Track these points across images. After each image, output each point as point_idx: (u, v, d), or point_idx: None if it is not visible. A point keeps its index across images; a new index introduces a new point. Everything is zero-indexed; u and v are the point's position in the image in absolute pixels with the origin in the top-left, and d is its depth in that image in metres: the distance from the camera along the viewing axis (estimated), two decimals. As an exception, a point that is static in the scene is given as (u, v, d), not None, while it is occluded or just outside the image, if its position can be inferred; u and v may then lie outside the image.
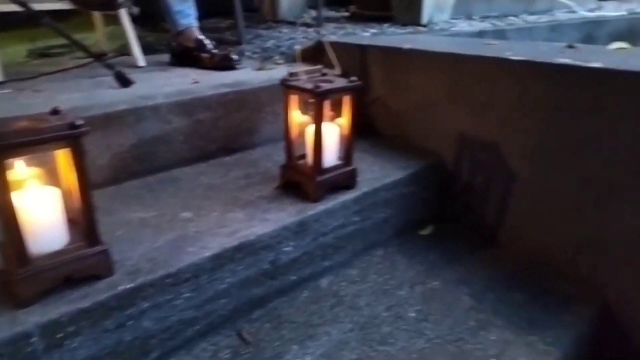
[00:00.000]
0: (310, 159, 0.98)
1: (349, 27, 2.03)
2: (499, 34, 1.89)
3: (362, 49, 1.35)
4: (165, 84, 1.22)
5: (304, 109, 0.96)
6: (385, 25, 2.05)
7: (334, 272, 0.99)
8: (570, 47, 1.15)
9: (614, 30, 2.48)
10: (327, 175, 0.96)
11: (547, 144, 0.97)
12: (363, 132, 1.27)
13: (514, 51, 1.07)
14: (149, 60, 1.57)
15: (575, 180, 0.94)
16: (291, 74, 0.95)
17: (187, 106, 1.12)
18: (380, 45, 1.30)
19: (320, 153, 0.94)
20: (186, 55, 1.53)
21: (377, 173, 1.09)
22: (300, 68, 1.42)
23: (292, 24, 2.23)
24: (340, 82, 0.94)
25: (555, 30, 2.14)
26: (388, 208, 1.08)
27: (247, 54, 1.69)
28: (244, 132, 1.24)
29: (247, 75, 1.36)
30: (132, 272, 0.71)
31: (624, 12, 2.78)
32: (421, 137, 1.24)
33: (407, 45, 1.24)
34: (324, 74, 1.01)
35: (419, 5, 1.97)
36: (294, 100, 0.95)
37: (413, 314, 0.87)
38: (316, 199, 0.95)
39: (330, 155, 0.99)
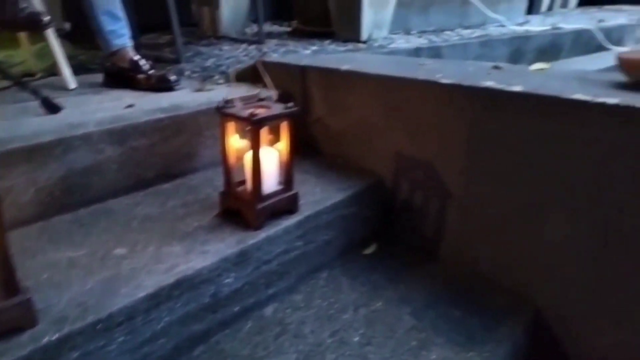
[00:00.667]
0: (249, 185, 0.97)
1: (291, 44, 2.04)
2: (435, 51, 1.97)
3: (302, 69, 1.36)
4: (98, 109, 1.17)
5: (242, 133, 0.95)
6: (327, 42, 2.08)
7: (279, 299, 0.98)
8: (496, 67, 1.22)
9: (540, 45, 2.65)
10: (267, 202, 0.95)
11: (478, 163, 1.02)
12: (306, 152, 1.28)
13: (445, 73, 1.12)
14: (81, 81, 1.50)
15: (506, 196, 0.99)
16: (227, 101, 0.93)
17: (121, 134, 1.08)
18: (319, 66, 1.32)
19: (260, 180, 0.93)
20: (121, 76, 1.48)
21: (318, 195, 1.10)
22: (238, 88, 1.41)
23: (234, 40, 2.22)
24: (277, 108, 0.94)
25: (486, 45, 2.26)
26: (330, 230, 1.09)
27: (187, 73, 1.65)
28: (183, 158, 1.21)
29: (186, 97, 1.33)
30: (59, 320, 0.67)
31: (547, 27, 2.98)
32: (361, 157, 1.27)
33: (345, 67, 1.26)
34: (261, 99, 1.01)
35: (358, 22, 2.02)
36: (230, 127, 0.93)
37: (357, 338, 0.88)
38: (257, 227, 0.94)
39: (270, 181, 0.98)
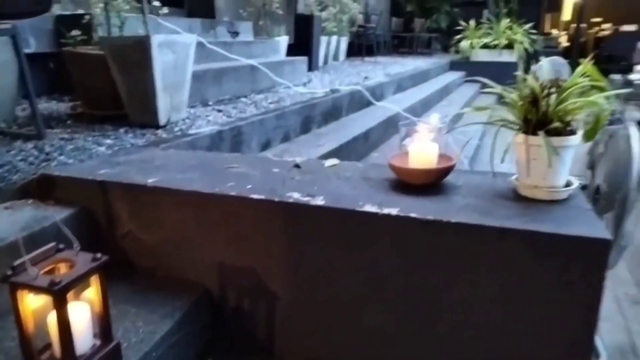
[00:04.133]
0: (58, 351, 0.84)
1: (79, 136, 1.85)
2: (236, 131, 2.05)
3: (102, 185, 1.25)
4: None
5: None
6: (122, 129, 1.96)
7: None
8: (297, 166, 1.34)
9: (324, 109, 3.01)
10: (84, 367, 0.84)
11: (300, 265, 1.10)
12: (118, 271, 1.17)
13: (253, 181, 1.19)
14: None
15: (328, 294, 1.09)
16: (15, 267, 0.80)
17: None
18: (121, 182, 1.24)
19: (71, 345, 0.82)
20: None
21: (143, 331, 1.02)
22: (21, 212, 1.21)
23: (1, 133, 1.89)
24: (83, 263, 0.84)
25: (281, 117, 2.46)
26: (163, 366, 1.02)
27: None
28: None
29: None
30: None
31: (327, 90, 3.40)
32: (183, 269, 1.23)
33: (151, 180, 1.21)
34: (59, 250, 0.89)
35: (154, 108, 1.96)
36: (25, 297, 0.80)
37: None
38: (75, 401, 0.82)
39: (83, 339, 0.87)
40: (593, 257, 0.87)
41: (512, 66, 7.45)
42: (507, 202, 1.03)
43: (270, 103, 2.94)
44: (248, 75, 3.25)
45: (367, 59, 7.18)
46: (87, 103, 2.24)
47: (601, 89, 0.94)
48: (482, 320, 0.97)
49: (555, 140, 0.97)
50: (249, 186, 1.16)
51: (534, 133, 0.98)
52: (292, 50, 4.77)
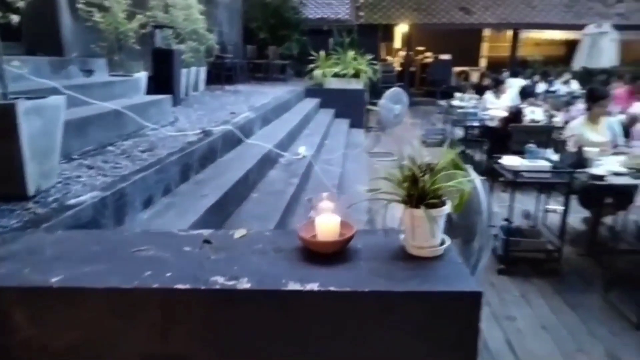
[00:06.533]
0: None
1: None
2: (118, 196, 1.97)
3: (-9, 290, 1.13)
4: None
5: None
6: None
7: None
8: (207, 242, 1.39)
9: (201, 154, 3.02)
10: None
11: (224, 350, 1.16)
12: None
13: (170, 266, 1.21)
14: None
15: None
16: None
17: None
18: (18, 287, 1.13)
19: None
20: None
21: None
22: None
23: None
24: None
25: (162, 171, 2.41)
26: None
27: None
28: None
29: None
30: None
31: (199, 131, 3.40)
32: (99, 367, 1.18)
33: (55, 280, 1.14)
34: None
35: (21, 178, 1.78)
36: None
37: None
38: None
39: None
40: (471, 305, 1.12)
41: (360, 93, 8.30)
42: (401, 264, 1.24)
43: (143, 151, 2.84)
44: (113, 121, 3.08)
45: (227, 87, 7.26)
46: None
47: (462, 169, 1.22)
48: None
49: (433, 212, 1.22)
50: (169, 274, 1.18)
51: (417, 206, 1.22)
52: (152, 85, 4.61)
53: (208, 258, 1.28)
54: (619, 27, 11.83)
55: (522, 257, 3.81)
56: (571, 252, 4.04)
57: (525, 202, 4.68)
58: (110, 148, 2.90)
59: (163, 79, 4.67)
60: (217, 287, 1.13)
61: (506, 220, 3.97)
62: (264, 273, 1.19)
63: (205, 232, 1.46)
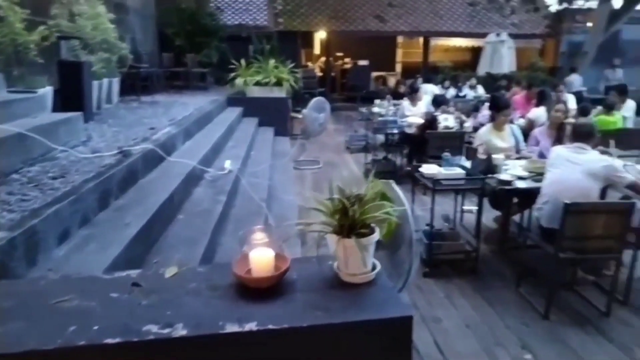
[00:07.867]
0: None
1: None
2: (30, 234, 1.81)
3: None
4: None
5: None
6: None
7: None
8: (135, 284, 1.32)
9: (120, 177, 2.86)
10: None
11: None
12: None
13: (96, 318, 1.14)
14: None
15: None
16: None
17: None
18: None
19: None
20: None
21: None
22: None
23: None
24: None
25: (78, 201, 2.25)
26: None
27: None
28: None
29: None
30: None
31: (116, 152, 3.21)
32: None
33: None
34: None
35: None
36: None
37: None
38: None
39: None
40: (404, 328, 1.19)
41: (283, 101, 8.33)
42: (336, 292, 1.27)
43: (54, 178, 2.63)
44: (17, 145, 2.82)
45: (143, 98, 6.92)
46: None
47: (389, 199, 1.28)
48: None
49: (364, 241, 1.26)
50: (96, 327, 1.11)
51: (348, 236, 1.26)
52: (59, 100, 4.27)
53: (139, 304, 1.23)
54: (513, 36, 13.05)
55: (444, 259, 4.05)
56: (486, 249, 4.37)
57: (444, 203, 4.99)
58: (14, 176, 2.64)
59: (72, 94, 4.34)
60: (151, 337, 1.08)
61: (428, 225, 4.20)
62: (200, 316, 1.17)
63: (133, 273, 1.39)
